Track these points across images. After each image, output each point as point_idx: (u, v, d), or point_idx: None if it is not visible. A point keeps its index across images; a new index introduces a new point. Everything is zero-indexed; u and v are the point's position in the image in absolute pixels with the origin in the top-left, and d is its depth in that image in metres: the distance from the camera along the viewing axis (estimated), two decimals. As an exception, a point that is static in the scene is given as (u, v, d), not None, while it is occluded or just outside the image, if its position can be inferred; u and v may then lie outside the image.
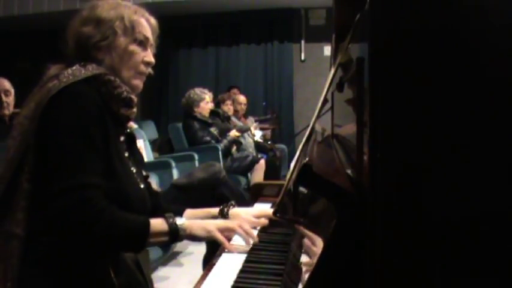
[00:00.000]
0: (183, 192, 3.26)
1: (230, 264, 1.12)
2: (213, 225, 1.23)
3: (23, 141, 1.10)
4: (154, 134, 5.69)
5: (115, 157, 1.14)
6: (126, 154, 1.24)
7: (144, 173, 1.32)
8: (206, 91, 4.78)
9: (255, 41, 6.83)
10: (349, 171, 0.87)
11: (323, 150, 1.19)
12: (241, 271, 1.08)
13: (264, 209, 1.49)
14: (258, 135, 5.53)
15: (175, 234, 1.17)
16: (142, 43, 1.25)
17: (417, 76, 0.64)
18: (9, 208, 1.08)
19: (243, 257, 1.17)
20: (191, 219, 1.25)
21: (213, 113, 4.92)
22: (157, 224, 1.15)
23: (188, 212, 1.40)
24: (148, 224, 1.12)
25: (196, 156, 4.21)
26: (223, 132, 4.74)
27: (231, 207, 1.41)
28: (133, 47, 1.22)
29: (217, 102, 5.52)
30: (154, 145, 5.00)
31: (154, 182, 3.27)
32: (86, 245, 1.09)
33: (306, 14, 6.63)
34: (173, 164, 3.85)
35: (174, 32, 6.86)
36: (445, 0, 0.64)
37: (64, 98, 1.09)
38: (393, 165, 0.64)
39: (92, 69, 1.15)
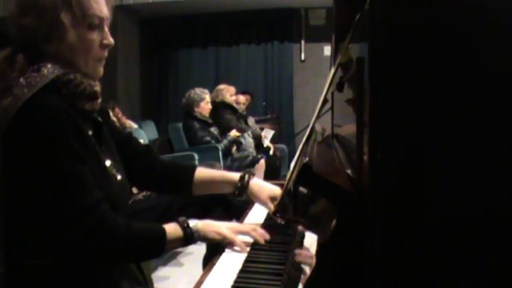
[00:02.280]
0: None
1: (230, 264, 1.12)
2: (226, 228, 1.22)
3: None
4: (154, 134, 5.70)
5: (92, 159, 1.07)
6: (97, 147, 1.14)
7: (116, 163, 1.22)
8: (206, 91, 4.78)
9: (255, 41, 6.82)
10: (349, 171, 0.87)
11: (323, 150, 1.19)
12: (241, 271, 1.08)
13: (277, 189, 1.45)
14: (269, 137, 5.52)
15: (190, 239, 1.16)
16: (98, 25, 1.09)
17: (417, 76, 0.64)
18: None
19: (243, 257, 1.17)
20: (204, 221, 1.21)
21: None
22: (172, 230, 1.14)
23: (201, 171, 1.40)
24: (164, 232, 1.11)
25: (196, 156, 4.21)
26: (224, 132, 4.74)
27: (252, 176, 1.40)
28: (88, 36, 1.07)
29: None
30: (154, 145, 5.00)
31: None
32: (105, 264, 1.08)
33: (306, 14, 6.63)
34: (173, 164, 3.84)
35: (174, 32, 6.87)
36: (444, 0, 0.64)
37: (28, 117, 0.97)
38: (393, 165, 0.64)
39: (47, 72, 1.02)
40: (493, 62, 0.63)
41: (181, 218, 1.17)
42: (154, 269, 3.10)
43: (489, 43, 0.63)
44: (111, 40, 1.12)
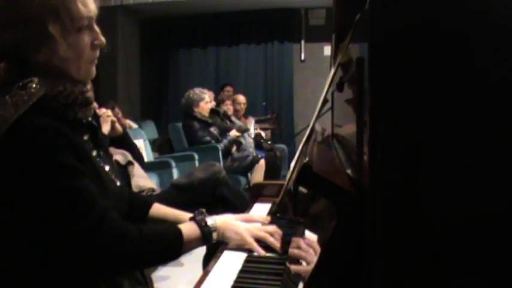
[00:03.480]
0: (183, 192, 3.26)
1: (230, 264, 1.12)
2: (245, 230, 1.18)
3: None
4: (154, 134, 5.69)
5: (90, 170, 1.02)
6: (94, 153, 1.09)
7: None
8: (205, 91, 4.78)
9: (255, 41, 6.82)
10: (349, 171, 0.87)
11: (323, 150, 1.19)
12: (241, 271, 1.08)
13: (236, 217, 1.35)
14: (252, 129, 5.50)
15: (209, 239, 1.13)
16: (88, 26, 1.03)
17: (417, 76, 0.64)
18: None
19: (243, 257, 1.17)
20: (223, 218, 1.19)
21: (212, 111, 4.92)
22: (189, 231, 1.10)
23: (157, 208, 1.32)
24: (180, 234, 1.08)
25: (196, 156, 4.21)
26: (224, 132, 4.74)
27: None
28: (79, 40, 1.01)
29: (218, 102, 5.53)
30: (154, 145, 5.01)
31: (154, 182, 3.28)
32: (124, 273, 1.05)
33: (306, 14, 6.62)
34: (173, 164, 3.85)
35: (174, 32, 6.87)
36: (445, 0, 0.64)
37: (17, 141, 0.92)
38: (393, 165, 0.64)
39: (34, 89, 0.95)
40: (493, 62, 0.63)
41: (199, 217, 1.14)
42: (154, 269, 3.10)
43: (489, 43, 0.63)
44: (103, 39, 1.06)
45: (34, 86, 0.97)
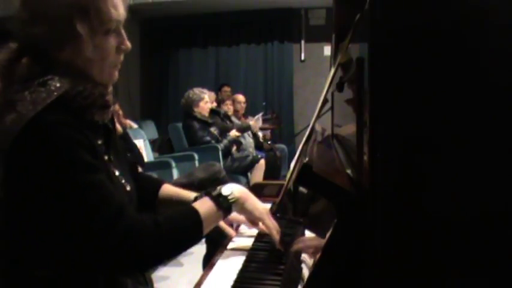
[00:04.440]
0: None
1: (230, 264, 1.12)
2: (265, 210, 1.16)
3: None
4: (154, 134, 5.69)
5: (103, 171, 1.01)
6: (106, 157, 1.08)
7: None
8: (205, 91, 4.78)
9: (255, 41, 6.82)
10: (349, 171, 0.87)
11: (323, 150, 1.19)
12: (241, 271, 1.08)
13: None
14: (259, 124, 5.48)
15: (229, 211, 1.09)
16: (115, 30, 1.02)
17: (417, 76, 0.64)
18: None
19: (243, 256, 1.17)
20: (241, 190, 1.14)
21: (212, 111, 4.92)
22: (206, 208, 1.05)
23: (165, 188, 1.32)
24: (197, 213, 1.03)
25: (196, 156, 4.21)
26: (224, 132, 4.74)
27: None
28: (105, 44, 1.00)
29: (218, 102, 5.54)
30: (154, 145, 5.00)
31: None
32: (147, 269, 1.02)
33: (306, 14, 6.62)
34: (173, 164, 3.85)
35: (174, 32, 6.86)
36: (444, 0, 0.64)
37: (33, 138, 0.91)
38: (393, 165, 0.64)
39: (54, 87, 0.95)
40: (493, 62, 0.63)
41: (215, 191, 1.09)
42: (155, 269, 3.10)
43: (489, 43, 0.63)
44: (129, 45, 1.05)
45: (54, 83, 0.95)
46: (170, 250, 1.02)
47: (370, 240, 0.66)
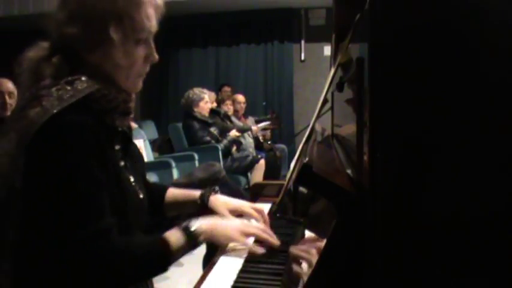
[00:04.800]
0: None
1: (230, 264, 1.12)
2: (235, 232, 1.13)
3: (3, 184, 0.94)
4: (154, 134, 5.69)
5: (110, 176, 1.02)
6: (122, 163, 1.09)
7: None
8: (205, 90, 4.79)
9: (255, 41, 6.82)
10: (349, 171, 0.87)
11: (323, 150, 1.19)
12: (241, 271, 1.08)
13: (243, 203, 1.38)
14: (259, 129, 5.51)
15: (194, 245, 1.08)
16: (146, 40, 1.06)
17: (417, 76, 0.64)
18: None
19: (243, 257, 1.17)
20: (210, 221, 1.13)
21: (213, 111, 4.93)
22: (175, 239, 1.05)
23: (169, 192, 1.34)
24: (167, 245, 1.03)
25: (196, 156, 4.21)
26: (224, 132, 4.75)
27: (213, 193, 1.33)
28: (135, 52, 1.04)
29: (218, 102, 5.54)
30: (154, 145, 5.00)
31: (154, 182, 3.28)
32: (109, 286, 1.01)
33: (306, 14, 6.62)
34: (173, 164, 3.85)
35: (174, 32, 6.86)
36: (444, 0, 0.64)
37: (54, 134, 0.94)
38: (393, 165, 0.64)
39: (81, 87, 0.97)
40: (493, 62, 0.63)
41: (184, 223, 1.08)
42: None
43: (489, 43, 0.63)
44: (156, 56, 1.09)
45: (81, 84, 0.98)
46: (134, 278, 1.04)
47: (370, 240, 0.66)
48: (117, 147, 1.08)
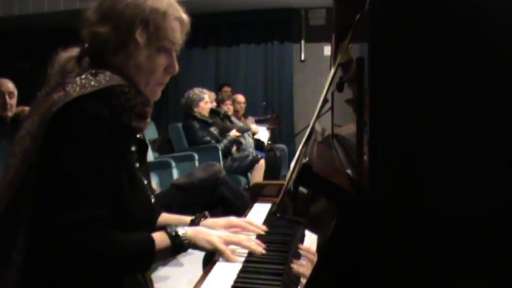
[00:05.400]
0: (183, 192, 3.26)
1: (230, 264, 1.12)
2: (217, 238, 1.17)
3: (25, 160, 1.00)
4: (154, 134, 5.69)
5: (126, 180, 1.06)
6: (137, 165, 1.14)
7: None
8: (205, 91, 4.78)
9: (255, 41, 6.82)
10: (349, 171, 0.87)
11: (323, 150, 1.19)
12: (241, 271, 1.08)
13: (230, 218, 1.41)
14: (261, 133, 5.53)
15: (179, 248, 1.12)
16: (168, 50, 1.12)
17: (417, 76, 0.64)
18: (9, 234, 0.99)
19: (243, 257, 1.17)
20: (195, 228, 1.19)
21: (212, 111, 4.93)
22: (160, 240, 1.09)
23: (162, 217, 1.36)
24: (152, 244, 1.06)
25: (196, 156, 4.21)
26: (224, 132, 4.74)
27: (203, 219, 1.37)
28: (157, 59, 1.10)
29: (218, 102, 5.54)
30: (154, 145, 5.00)
31: (154, 182, 3.28)
32: (91, 273, 1.02)
33: (306, 14, 6.63)
34: (173, 164, 3.85)
35: (174, 32, 6.86)
36: (444, 0, 0.64)
37: (71, 118, 0.98)
38: (393, 165, 0.64)
39: (103, 79, 1.03)
40: (493, 62, 0.63)
41: (170, 227, 1.13)
42: (154, 269, 3.10)
43: (489, 43, 0.63)
44: (177, 68, 1.15)
45: (104, 77, 1.03)
46: (115, 268, 1.04)
47: (370, 240, 0.66)
48: (133, 148, 1.13)
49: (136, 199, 1.09)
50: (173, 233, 1.11)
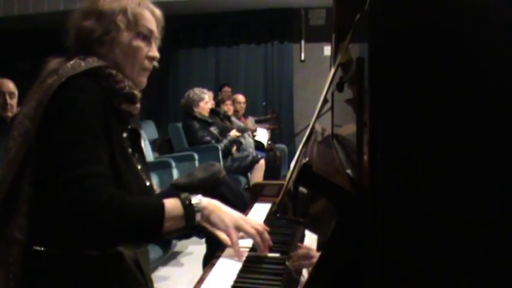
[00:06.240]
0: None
1: (230, 264, 1.12)
2: (231, 221, 1.12)
3: (24, 142, 1.06)
4: (154, 134, 5.69)
5: (117, 152, 1.10)
6: (130, 150, 1.19)
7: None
8: (205, 91, 4.79)
9: (255, 41, 6.82)
10: (349, 171, 0.87)
11: (323, 150, 1.19)
12: (241, 271, 1.08)
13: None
14: (260, 134, 5.54)
15: (192, 218, 1.07)
16: (147, 37, 1.22)
17: (417, 76, 0.64)
18: (10, 213, 1.04)
19: (243, 257, 1.16)
20: (211, 200, 1.14)
21: (212, 111, 4.93)
22: (172, 206, 1.05)
23: None
24: (162, 207, 1.03)
25: (196, 156, 4.21)
26: (224, 132, 4.74)
27: None
28: (137, 42, 1.20)
29: (218, 102, 5.54)
30: (154, 145, 5.00)
31: (154, 182, 3.27)
32: (97, 239, 1.02)
33: (306, 14, 6.62)
34: (173, 164, 3.84)
35: (174, 32, 6.86)
36: (444, 0, 0.64)
37: (64, 93, 1.06)
38: (393, 165, 0.64)
39: (92, 62, 1.12)
40: (492, 62, 0.63)
41: (184, 194, 1.08)
42: (154, 269, 3.10)
43: (489, 43, 0.63)
44: (157, 53, 1.25)
45: (92, 60, 1.13)
46: (119, 229, 1.01)
47: (370, 240, 0.66)
48: (124, 134, 1.18)
49: (132, 178, 1.13)
50: (187, 201, 1.07)
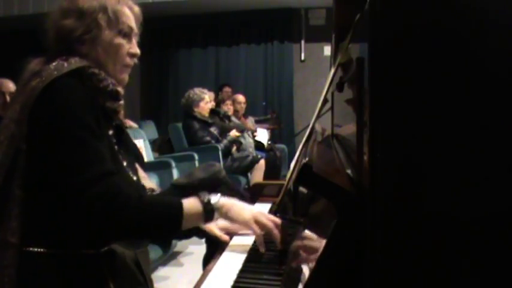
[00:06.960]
0: (183, 192, 3.25)
1: (230, 264, 1.12)
2: (251, 215, 1.16)
3: (11, 145, 1.06)
4: (154, 134, 5.69)
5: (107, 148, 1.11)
6: (116, 147, 1.20)
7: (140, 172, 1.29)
8: (205, 91, 4.79)
9: (255, 41, 6.82)
10: (349, 171, 0.87)
11: (323, 150, 1.19)
12: (241, 271, 1.08)
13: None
14: (260, 134, 5.54)
15: (210, 215, 1.12)
16: (127, 34, 1.21)
17: (417, 76, 0.64)
18: (1, 217, 1.04)
19: (243, 256, 1.17)
20: (228, 200, 1.17)
21: (212, 111, 4.93)
22: (191, 205, 1.10)
23: None
24: (181, 206, 1.08)
25: (196, 156, 4.21)
26: (223, 132, 4.74)
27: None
28: (118, 40, 1.19)
29: (218, 102, 5.54)
30: (154, 145, 5.00)
31: (154, 182, 3.27)
32: (118, 236, 1.07)
33: (306, 14, 6.62)
34: (173, 164, 3.84)
35: (174, 32, 6.87)
36: (444, 0, 0.64)
37: (51, 94, 1.06)
38: (393, 165, 0.64)
39: (74, 62, 1.11)
40: (493, 62, 0.63)
41: (203, 194, 1.13)
42: (154, 269, 3.10)
43: (489, 43, 0.63)
44: (137, 50, 1.23)
45: (75, 60, 1.12)
46: (142, 229, 1.07)
47: (370, 240, 0.66)
48: (110, 132, 1.18)
49: (121, 173, 1.13)
50: (205, 200, 1.12)
